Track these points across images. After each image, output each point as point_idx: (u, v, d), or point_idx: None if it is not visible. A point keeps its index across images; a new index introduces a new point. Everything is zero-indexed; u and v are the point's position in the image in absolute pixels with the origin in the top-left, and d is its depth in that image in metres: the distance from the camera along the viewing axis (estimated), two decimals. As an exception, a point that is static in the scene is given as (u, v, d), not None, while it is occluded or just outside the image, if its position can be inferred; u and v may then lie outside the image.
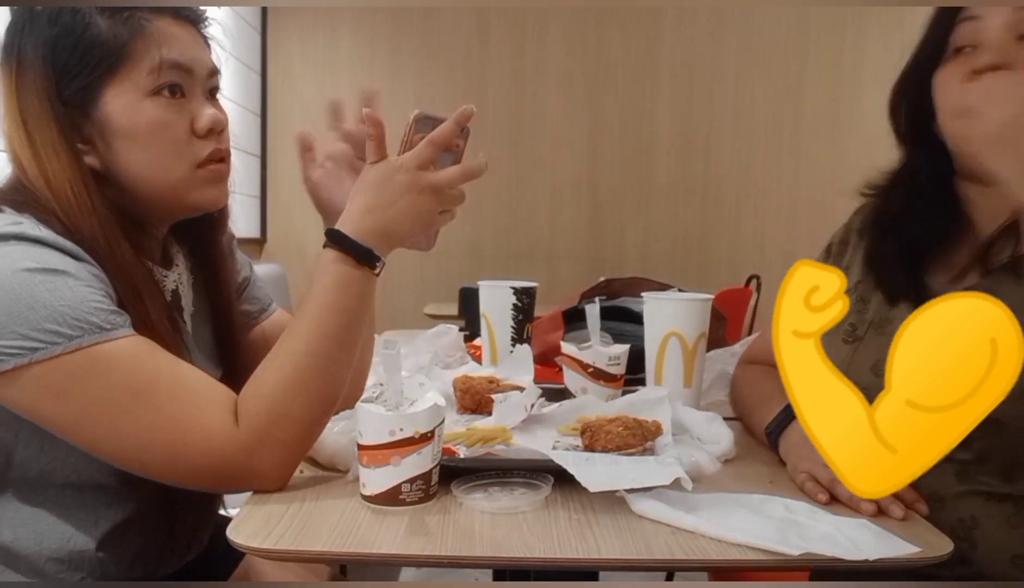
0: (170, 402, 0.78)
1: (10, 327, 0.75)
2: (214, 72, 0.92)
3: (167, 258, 0.98)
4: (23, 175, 0.84)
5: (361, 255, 0.84)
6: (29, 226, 0.79)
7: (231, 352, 1.03)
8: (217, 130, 0.90)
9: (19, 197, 0.83)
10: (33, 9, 0.84)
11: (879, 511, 0.77)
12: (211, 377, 0.84)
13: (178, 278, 0.98)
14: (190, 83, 0.88)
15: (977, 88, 0.80)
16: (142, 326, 0.82)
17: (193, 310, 0.99)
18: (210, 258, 1.02)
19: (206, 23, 0.94)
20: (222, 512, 1.12)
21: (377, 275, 0.86)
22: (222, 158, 0.91)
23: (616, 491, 0.77)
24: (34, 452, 0.83)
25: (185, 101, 0.88)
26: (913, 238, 0.95)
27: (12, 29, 0.85)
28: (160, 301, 0.89)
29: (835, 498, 0.79)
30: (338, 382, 0.84)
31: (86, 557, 0.86)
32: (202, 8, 0.94)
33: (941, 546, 0.71)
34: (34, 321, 0.75)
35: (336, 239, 0.85)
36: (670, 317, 1.12)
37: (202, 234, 1.01)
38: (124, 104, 0.84)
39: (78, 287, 0.77)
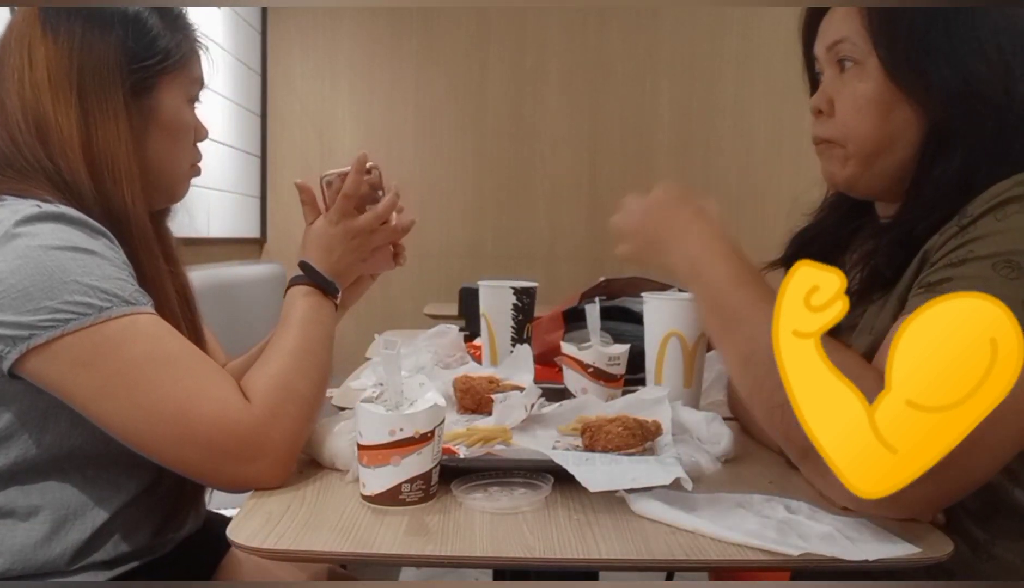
0: (187, 375, 0.83)
1: (42, 302, 0.79)
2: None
3: None
4: (38, 146, 0.89)
5: (327, 286, 1.00)
6: (48, 206, 0.84)
7: (190, 322, 1.07)
8: (203, 141, 1.06)
9: (18, 185, 0.86)
10: None
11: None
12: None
13: None
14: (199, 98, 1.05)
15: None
16: (160, 302, 0.90)
17: None
18: (165, 242, 1.06)
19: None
20: (220, 511, 1.13)
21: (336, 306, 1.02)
22: (200, 162, 1.07)
23: (616, 491, 0.77)
24: (65, 428, 0.87)
25: (195, 113, 1.04)
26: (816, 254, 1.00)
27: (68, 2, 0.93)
28: (177, 288, 0.99)
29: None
30: (322, 380, 0.93)
31: (107, 525, 0.90)
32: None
33: (941, 546, 0.71)
34: (65, 294, 0.80)
35: (307, 272, 1.00)
36: (670, 317, 1.12)
37: (159, 216, 1.06)
38: (172, 101, 0.98)
39: (105, 265, 0.83)
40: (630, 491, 0.77)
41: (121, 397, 0.81)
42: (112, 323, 0.81)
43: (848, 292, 0.92)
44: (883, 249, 0.87)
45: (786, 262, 1.04)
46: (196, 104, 1.03)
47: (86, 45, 0.91)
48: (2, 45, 0.93)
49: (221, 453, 0.82)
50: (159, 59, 0.94)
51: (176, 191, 1.03)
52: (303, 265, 1.01)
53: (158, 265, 0.94)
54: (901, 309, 0.82)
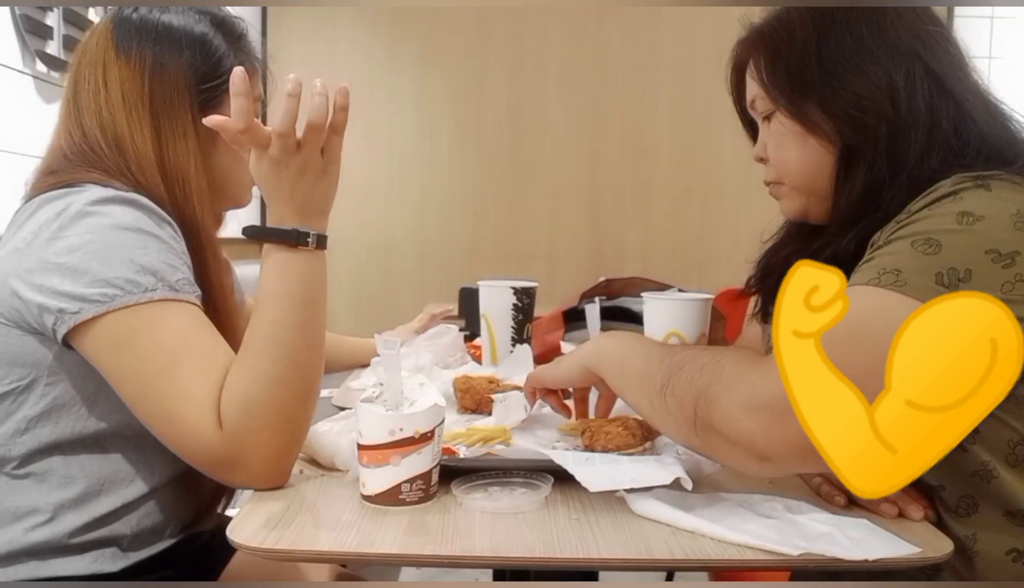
0: (183, 377, 0.83)
1: (100, 275, 0.83)
2: None
3: None
4: (119, 153, 0.94)
5: (284, 236, 0.87)
6: (134, 194, 0.89)
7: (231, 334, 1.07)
8: None
9: (99, 174, 0.92)
10: (153, 10, 0.99)
11: (900, 514, 0.78)
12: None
13: None
14: None
15: None
16: (220, 302, 0.94)
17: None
18: (214, 249, 1.08)
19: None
20: (228, 512, 1.13)
21: (320, 249, 0.88)
22: None
23: (616, 491, 0.77)
24: (115, 402, 0.88)
25: None
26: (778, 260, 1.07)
27: (137, 25, 0.98)
28: (230, 283, 1.02)
29: (852, 501, 0.80)
30: (306, 368, 0.85)
31: (137, 505, 0.93)
32: None
33: (941, 546, 0.71)
34: (120, 270, 0.83)
35: (253, 234, 0.89)
36: (670, 317, 1.12)
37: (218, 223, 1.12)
38: None
39: (164, 250, 0.87)
40: (630, 491, 0.77)
41: (138, 384, 0.83)
42: (152, 306, 0.83)
43: None
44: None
45: (756, 286, 1.09)
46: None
47: (157, 66, 0.96)
48: (76, 67, 0.99)
49: (202, 462, 0.84)
50: (225, 79, 0.96)
51: (241, 199, 1.08)
52: (250, 227, 0.90)
53: (220, 267, 0.98)
54: None
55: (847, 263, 0.85)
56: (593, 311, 1.27)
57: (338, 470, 0.88)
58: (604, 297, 1.55)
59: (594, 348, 0.93)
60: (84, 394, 0.90)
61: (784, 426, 0.69)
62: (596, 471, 0.80)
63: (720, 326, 1.45)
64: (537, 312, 1.41)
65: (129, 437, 0.92)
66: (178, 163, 0.96)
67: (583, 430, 0.92)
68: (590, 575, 0.92)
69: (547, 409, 1.05)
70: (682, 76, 3.73)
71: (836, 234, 0.91)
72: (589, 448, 0.90)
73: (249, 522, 0.73)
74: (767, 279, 1.07)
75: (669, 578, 1.68)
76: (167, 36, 0.98)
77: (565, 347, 1.28)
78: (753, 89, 0.99)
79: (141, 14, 0.99)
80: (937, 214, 0.79)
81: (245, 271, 1.22)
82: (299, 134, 0.87)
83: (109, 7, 1.00)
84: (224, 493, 1.08)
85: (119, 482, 0.93)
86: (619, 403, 1.02)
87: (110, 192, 0.88)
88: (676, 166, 3.75)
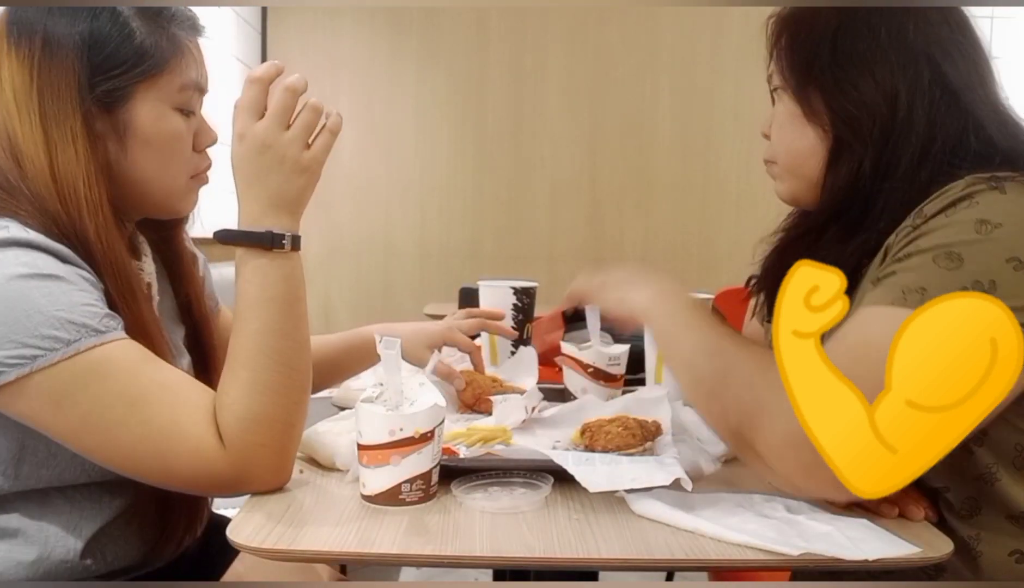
0: (160, 414, 0.78)
1: (8, 336, 0.75)
2: (208, 90, 0.97)
3: (135, 249, 0.98)
4: (15, 162, 0.83)
5: (258, 239, 0.82)
6: (16, 229, 0.79)
7: (200, 343, 1.05)
8: (212, 146, 0.97)
9: (1, 192, 0.82)
10: None
11: (900, 514, 0.78)
12: (199, 383, 0.84)
13: (149, 270, 0.99)
14: (199, 101, 0.94)
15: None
16: (134, 327, 0.83)
17: (159, 300, 1.00)
18: (176, 250, 1.04)
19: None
20: (221, 511, 1.13)
21: (294, 250, 0.83)
22: (208, 169, 0.98)
23: (616, 491, 0.77)
24: (43, 456, 0.84)
25: (193, 118, 0.93)
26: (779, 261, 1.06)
27: (33, 9, 0.85)
28: (148, 300, 0.91)
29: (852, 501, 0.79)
30: (298, 370, 0.83)
31: (90, 544, 0.88)
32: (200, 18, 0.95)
33: (941, 546, 0.71)
34: (32, 328, 0.75)
35: (225, 237, 0.84)
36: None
37: (168, 228, 1.02)
38: (152, 111, 0.88)
39: (72, 291, 0.78)
40: (630, 491, 0.77)
41: (100, 435, 0.78)
42: (82, 357, 0.76)
43: None
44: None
45: (758, 289, 1.10)
46: (189, 110, 0.92)
47: (44, 62, 0.83)
48: None
49: (205, 486, 0.82)
50: (129, 66, 0.85)
51: (176, 206, 0.95)
52: (221, 231, 0.84)
53: (128, 290, 0.85)
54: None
55: (852, 264, 0.86)
56: (593, 311, 1.27)
57: (338, 470, 0.88)
58: (604, 297, 1.55)
59: (650, 305, 0.93)
60: (10, 452, 0.83)
61: (825, 467, 0.69)
62: (596, 471, 0.80)
63: (720, 326, 1.44)
64: (537, 312, 1.41)
65: (70, 483, 0.86)
66: (67, 172, 0.82)
67: (583, 430, 0.92)
68: (590, 575, 0.92)
69: (547, 410, 1.05)
70: (682, 76, 3.73)
71: (840, 240, 0.91)
72: (589, 448, 0.90)
73: (249, 522, 0.73)
74: (767, 279, 1.07)
75: (669, 578, 1.68)
76: (59, 22, 0.84)
77: (565, 347, 1.28)
78: (772, 67, 1.02)
79: None
80: (955, 222, 0.78)
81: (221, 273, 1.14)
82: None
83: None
84: (198, 505, 1.01)
85: (69, 526, 0.87)
86: (619, 403, 1.02)
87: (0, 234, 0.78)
88: (676, 166, 3.75)
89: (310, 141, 0.84)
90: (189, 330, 1.05)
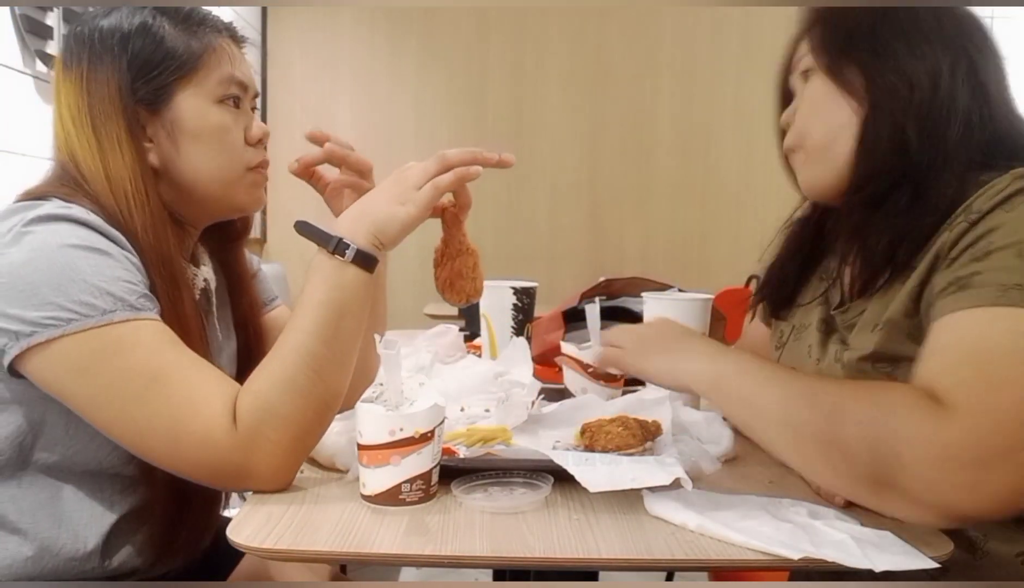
0: (177, 393, 0.80)
1: (49, 298, 0.78)
2: (257, 93, 1.02)
3: (196, 258, 1.03)
4: (76, 169, 0.90)
5: (324, 240, 0.85)
6: (78, 211, 0.83)
7: (249, 356, 1.07)
8: (264, 141, 1.00)
9: (68, 190, 0.88)
10: (100, 24, 0.92)
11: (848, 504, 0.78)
12: (224, 374, 0.85)
13: (207, 278, 1.02)
14: (244, 97, 0.98)
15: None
16: (172, 317, 0.86)
17: (217, 310, 1.04)
18: (234, 263, 1.09)
19: (246, 45, 1.03)
20: (225, 513, 1.13)
21: (358, 265, 0.85)
22: (265, 166, 1.01)
23: (623, 490, 0.77)
24: (60, 434, 0.86)
25: (240, 112, 0.98)
26: (787, 261, 1.08)
27: (79, 40, 0.93)
28: (191, 296, 0.94)
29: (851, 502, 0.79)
30: (330, 382, 0.83)
31: (99, 542, 0.88)
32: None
33: (941, 546, 0.71)
34: (73, 293, 0.78)
35: (300, 230, 0.86)
36: (670, 317, 1.12)
37: (228, 239, 1.07)
38: (194, 107, 0.93)
39: (117, 268, 0.82)
40: (652, 491, 0.77)
41: (116, 407, 0.79)
42: (113, 328, 0.79)
43: (842, 292, 0.93)
44: (863, 243, 0.90)
45: (760, 299, 1.10)
46: (232, 102, 0.96)
47: (90, 77, 0.91)
48: (53, 86, 0.95)
49: (208, 472, 0.81)
50: (164, 67, 0.91)
51: (236, 200, 0.98)
52: (302, 222, 0.88)
53: (172, 287, 0.89)
54: (914, 305, 0.84)
55: (888, 255, 0.85)
56: (593, 311, 1.27)
57: (338, 470, 0.88)
58: (604, 297, 1.55)
59: (711, 372, 0.85)
60: (28, 424, 0.85)
61: (989, 482, 0.67)
62: (596, 471, 0.80)
63: (720, 326, 1.45)
64: (537, 312, 1.41)
65: (83, 472, 0.88)
66: (117, 175, 0.89)
67: (583, 430, 0.92)
68: (590, 575, 0.92)
69: (547, 409, 1.04)
70: (682, 76, 3.73)
71: (874, 228, 0.88)
72: (589, 448, 0.90)
73: (249, 522, 0.73)
74: (768, 286, 1.07)
75: (669, 578, 1.68)
76: (99, 41, 0.92)
77: (565, 347, 1.28)
78: (803, 51, 0.98)
79: (84, 23, 0.94)
80: (1022, 215, 0.77)
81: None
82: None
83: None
84: (210, 507, 1.02)
85: (79, 523, 0.88)
86: (619, 403, 1.02)
87: (59, 210, 0.83)
88: (676, 166, 3.75)
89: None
90: (241, 342, 1.08)
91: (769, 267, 1.09)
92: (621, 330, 1.02)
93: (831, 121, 0.93)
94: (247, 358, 1.07)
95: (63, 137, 0.91)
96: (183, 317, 0.88)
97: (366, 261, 0.85)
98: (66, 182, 0.90)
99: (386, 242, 0.87)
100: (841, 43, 0.94)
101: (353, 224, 0.86)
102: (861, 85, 0.91)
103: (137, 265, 0.85)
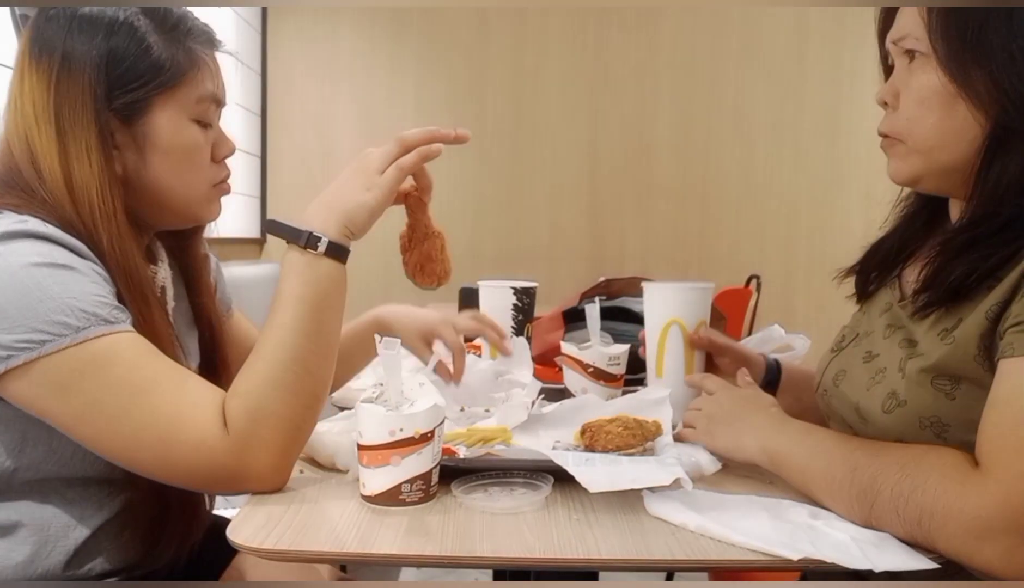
0: (165, 403, 0.79)
1: (20, 321, 0.76)
2: (225, 103, 1.00)
3: (151, 254, 1.00)
4: (32, 170, 0.85)
5: (295, 236, 0.85)
6: (35, 224, 0.81)
7: (211, 347, 1.06)
8: (230, 156, 0.99)
9: (16, 199, 0.84)
10: (79, 13, 0.87)
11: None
12: (207, 380, 0.84)
13: (164, 275, 1.00)
14: (216, 113, 0.96)
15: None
16: (143, 326, 0.84)
17: (174, 305, 1.02)
18: (191, 257, 1.06)
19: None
20: (220, 512, 1.13)
21: (330, 257, 0.85)
22: (227, 177, 1.00)
23: (623, 490, 0.77)
24: (42, 453, 0.85)
25: (210, 128, 0.95)
26: (881, 250, 1.00)
27: (53, 28, 0.87)
28: (160, 304, 0.92)
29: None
30: (316, 375, 0.84)
31: (85, 545, 0.88)
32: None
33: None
34: (44, 313, 0.77)
35: (271, 229, 0.87)
36: (671, 305, 1.11)
37: (186, 236, 1.04)
38: (170, 123, 0.90)
39: (85, 282, 0.80)
40: (652, 491, 0.77)
41: (102, 423, 0.78)
42: (90, 344, 0.77)
43: (911, 301, 0.87)
44: (942, 261, 0.84)
45: (857, 271, 1.02)
46: (206, 121, 0.94)
47: (62, 77, 0.85)
48: (14, 66, 0.90)
49: (203, 479, 0.81)
50: (147, 79, 0.88)
51: (198, 215, 0.97)
52: (271, 221, 0.88)
53: (138, 297, 0.86)
54: (990, 325, 0.77)
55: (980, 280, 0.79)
56: (593, 311, 1.27)
57: (338, 470, 0.88)
58: (604, 297, 1.56)
59: (769, 448, 0.87)
60: (11, 441, 0.84)
61: None
62: (596, 471, 0.80)
63: (720, 326, 1.45)
64: (537, 312, 1.42)
65: (70, 478, 0.87)
66: (82, 184, 0.84)
67: (583, 430, 0.92)
68: (590, 575, 0.92)
69: (547, 409, 1.05)
70: (682, 76, 3.73)
71: (983, 250, 0.81)
72: (589, 448, 0.90)
73: (249, 522, 0.73)
74: (868, 262, 1.00)
75: (669, 578, 1.68)
76: (77, 34, 0.86)
77: (565, 347, 1.28)
78: (910, 25, 0.86)
79: (60, 10, 0.87)
80: None
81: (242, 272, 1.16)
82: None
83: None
84: (196, 505, 1.00)
85: (67, 526, 0.87)
86: (619, 403, 1.02)
87: (16, 226, 0.79)
88: (676, 166, 3.75)
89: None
90: (202, 334, 1.06)
91: (877, 241, 1.01)
92: (695, 411, 1.00)
93: (946, 125, 0.83)
94: (207, 349, 1.06)
95: (20, 133, 0.86)
96: (153, 325, 0.87)
97: (339, 252, 0.86)
98: (12, 187, 0.85)
99: (356, 231, 0.87)
100: (965, 34, 0.81)
101: (322, 217, 0.86)
102: (987, 91, 0.80)
103: (104, 276, 0.83)
